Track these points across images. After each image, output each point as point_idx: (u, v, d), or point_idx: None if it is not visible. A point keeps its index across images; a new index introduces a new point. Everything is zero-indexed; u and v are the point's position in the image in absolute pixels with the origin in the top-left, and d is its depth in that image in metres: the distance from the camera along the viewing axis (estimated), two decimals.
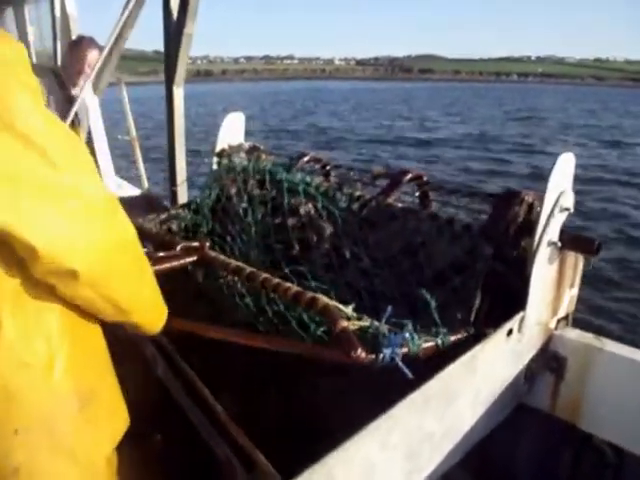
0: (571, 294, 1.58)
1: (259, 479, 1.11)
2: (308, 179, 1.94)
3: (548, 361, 1.55)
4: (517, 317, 1.35)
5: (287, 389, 1.65)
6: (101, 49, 3.17)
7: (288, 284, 1.34)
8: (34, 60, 4.90)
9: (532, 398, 1.59)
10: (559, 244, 1.39)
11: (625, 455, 1.51)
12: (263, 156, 2.28)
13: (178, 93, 3.41)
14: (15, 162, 0.69)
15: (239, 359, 1.45)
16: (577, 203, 1.43)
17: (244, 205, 2.06)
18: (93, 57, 3.24)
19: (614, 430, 1.50)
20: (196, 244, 1.62)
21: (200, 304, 1.84)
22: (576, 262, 1.53)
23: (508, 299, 1.38)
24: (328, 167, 2.13)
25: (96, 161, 4.12)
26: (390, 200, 1.75)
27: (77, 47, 3.35)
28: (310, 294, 1.26)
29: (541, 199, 1.35)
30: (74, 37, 3.76)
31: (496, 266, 1.39)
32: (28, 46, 4.89)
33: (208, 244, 1.64)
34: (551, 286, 1.47)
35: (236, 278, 1.61)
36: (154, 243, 1.74)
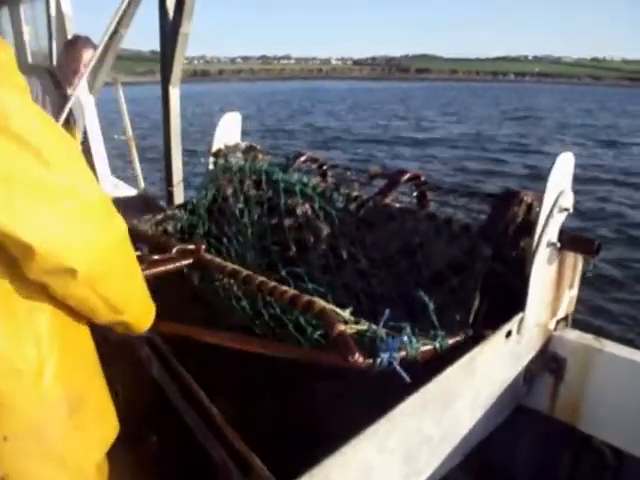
0: (570, 295, 1.57)
1: None
2: (305, 179, 1.93)
3: (547, 362, 1.55)
4: (516, 318, 1.34)
5: (284, 392, 1.64)
6: (97, 49, 3.16)
7: (284, 287, 1.33)
8: (30, 60, 4.88)
9: (531, 400, 1.58)
10: (558, 244, 1.38)
11: (625, 457, 1.50)
12: (260, 156, 2.27)
13: (174, 93, 3.40)
14: (9, 162, 0.68)
15: (235, 362, 1.44)
16: (574, 203, 1.42)
17: (240, 206, 2.04)
18: (89, 57, 3.23)
19: (614, 432, 1.49)
20: (192, 247, 1.61)
21: (196, 307, 1.83)
22: (575, 262, 1.52)
23: (507, 300, 1.37)
24: (325, 167, 2.12)
25: (92, 161, 4.11)
26: (388, 200, 1.74)
27: (73, 47, 3.33)
28: (306, 297, 1.24)
29: (540, 199, 1.35)
30: (70, 37, 3.74)
31: (495, 267, 1.38)
32: (24, 46, 4.87)
33: (204, 246, 1.63)
34: (550, 287, 1.46)
35: (232, 281, 1.59)
36: (150, 245, 1.72)
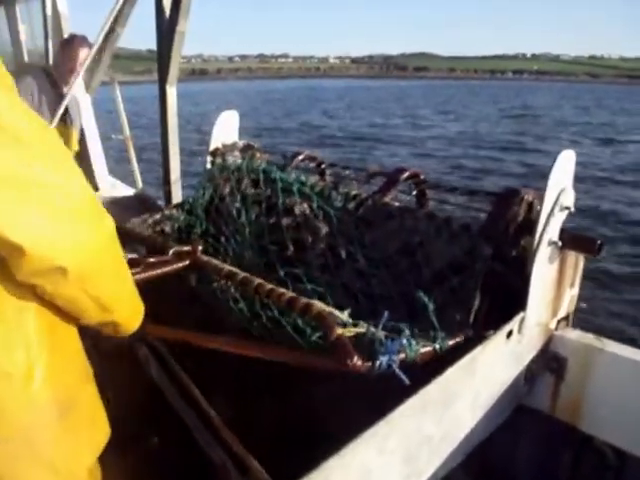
0: (571, 294, 1.56)
1: None
2: (303, 178, 1.92)
3: (548, 362, 1.54)
4: (517, 318, 1.33)
5: (282, 395, 1.62)
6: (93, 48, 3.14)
7: (282, 289, 1.32)
8: (26, 59, 4.86)
9: (532, 399, 1.57)
10: (559, 243, 1.37)
11: (627, 457, 1.49)
12: (257, 155, 2.26)
13: (171, 92, 3.39)
14: None
15: (233, 363, 1.43)
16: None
17: (238, 205, 2.03)
18: (85, 55, 3.21)
19: (615, 432, 1.49)
20: (188, 248, 1.60)
21: (193, 308, 1.81)
22: (576, 261, 1.51)
23: (508, 299, 1.36)
24: (323, 166, 2.10)
25: (89, 160, 4.09)
26: (387, 199, 1.73)
27: (69, 46, 3.31)
28: (304, 300, 1.23)
29: (541, 197, 1.33)
30: (66, 36, 3.72)
31: (495, 266, 1.37)
32: (20, 45, 4.84)
33: (201, 247, 1.61)
34: (551, 286, 1.45)
35: (229, 283, 1.58)
36: (146, 247, 1.71)
